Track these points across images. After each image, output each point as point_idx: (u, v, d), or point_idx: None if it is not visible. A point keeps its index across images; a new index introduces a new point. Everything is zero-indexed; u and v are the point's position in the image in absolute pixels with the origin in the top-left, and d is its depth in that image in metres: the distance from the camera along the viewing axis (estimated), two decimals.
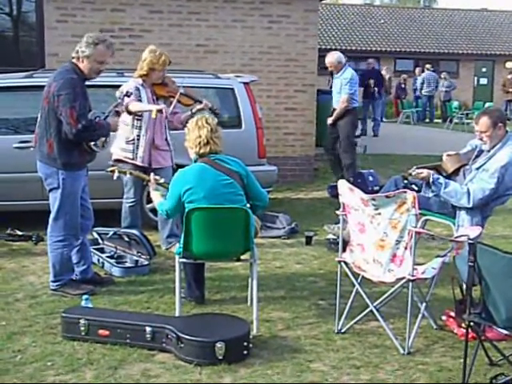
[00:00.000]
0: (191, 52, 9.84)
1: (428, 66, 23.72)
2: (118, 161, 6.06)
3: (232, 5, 9.99)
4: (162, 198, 4.83)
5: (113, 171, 5.52)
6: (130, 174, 5.67)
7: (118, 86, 6.41)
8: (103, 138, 5.07)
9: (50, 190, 5.06)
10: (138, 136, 6.09)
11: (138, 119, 6.06)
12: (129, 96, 5.65)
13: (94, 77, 5.07)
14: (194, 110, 6.21)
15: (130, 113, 5.96)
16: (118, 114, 5.26)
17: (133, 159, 6.09)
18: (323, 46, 25.86)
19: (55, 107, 4.84)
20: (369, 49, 29.53)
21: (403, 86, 22.84)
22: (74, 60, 5.00)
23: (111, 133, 5.27)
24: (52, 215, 5.09)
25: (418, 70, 24.48)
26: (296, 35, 10.25)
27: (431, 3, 53.34)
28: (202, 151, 4.61)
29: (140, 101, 6.02)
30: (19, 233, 6.56)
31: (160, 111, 5.77)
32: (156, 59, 6.08)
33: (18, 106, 7.26)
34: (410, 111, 22.68)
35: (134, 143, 6.09)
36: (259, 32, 10.13)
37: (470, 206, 5.11)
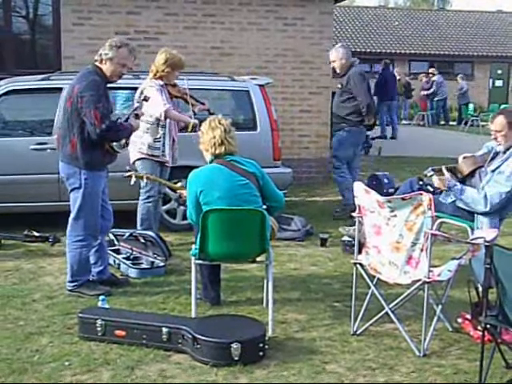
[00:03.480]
0: (206, 54, 9.88)
1: (432, 69, 23.58)
2: (142, 159, 6.19)
3: (247, 7, 10.03)
4: None
5: (130, 176, 5.55)
6: (147, 178, 5.70)
7: (134, 88, 6.46)
8: (124, 140, 5.15)
9: (72, 190, 5.09)
10: (164, 134, 6.24)
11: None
12: (147, 100, 5.67)
13: (116, 80, 5.14)
14: (196, 110, 6.42)
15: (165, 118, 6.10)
16: (137, 117, 5.29)
17: (158, 156, 6.23)
18: None
19: (79, 108, 4.90)
20: (383, 51, 29.45)
21: (413, 87, 22.75)
22: (96, 63, 5.07)
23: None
24: (72, 215, 5.12)
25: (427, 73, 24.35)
26: (311, 37, 10.26)
27: (445, 5, 53.15)
28: (217, 152, 4.62)
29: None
30: (36, 234, 6.58)
31: (194, 127, 5.92)
32: (176, 60, 6.25)
33: (34, 108, 7.31)
34: (424, 113, 22.61)
35: (160, 141, 6.23)
36: (274, 34, 10.16)
37: (487, 210, 5.09)
